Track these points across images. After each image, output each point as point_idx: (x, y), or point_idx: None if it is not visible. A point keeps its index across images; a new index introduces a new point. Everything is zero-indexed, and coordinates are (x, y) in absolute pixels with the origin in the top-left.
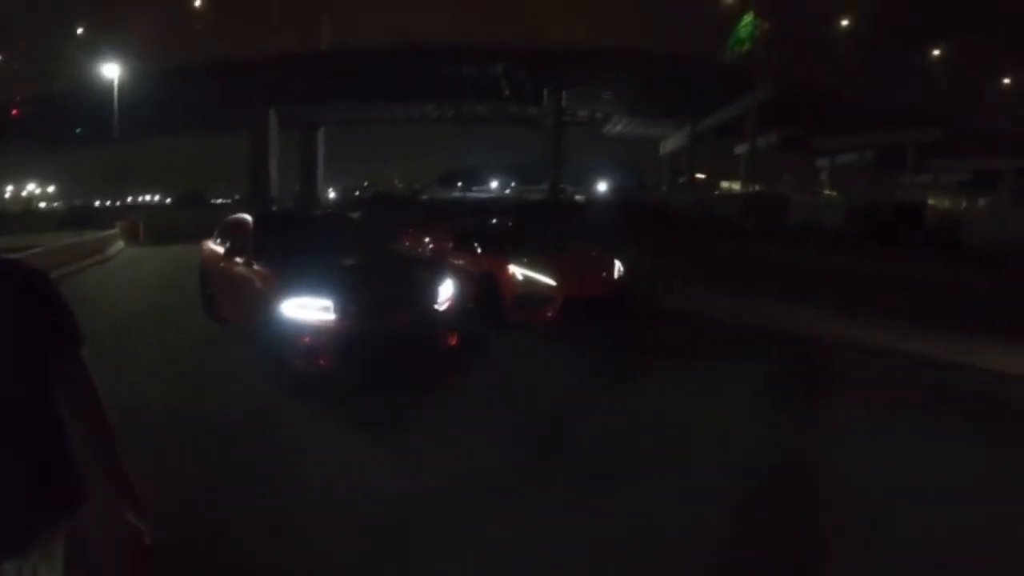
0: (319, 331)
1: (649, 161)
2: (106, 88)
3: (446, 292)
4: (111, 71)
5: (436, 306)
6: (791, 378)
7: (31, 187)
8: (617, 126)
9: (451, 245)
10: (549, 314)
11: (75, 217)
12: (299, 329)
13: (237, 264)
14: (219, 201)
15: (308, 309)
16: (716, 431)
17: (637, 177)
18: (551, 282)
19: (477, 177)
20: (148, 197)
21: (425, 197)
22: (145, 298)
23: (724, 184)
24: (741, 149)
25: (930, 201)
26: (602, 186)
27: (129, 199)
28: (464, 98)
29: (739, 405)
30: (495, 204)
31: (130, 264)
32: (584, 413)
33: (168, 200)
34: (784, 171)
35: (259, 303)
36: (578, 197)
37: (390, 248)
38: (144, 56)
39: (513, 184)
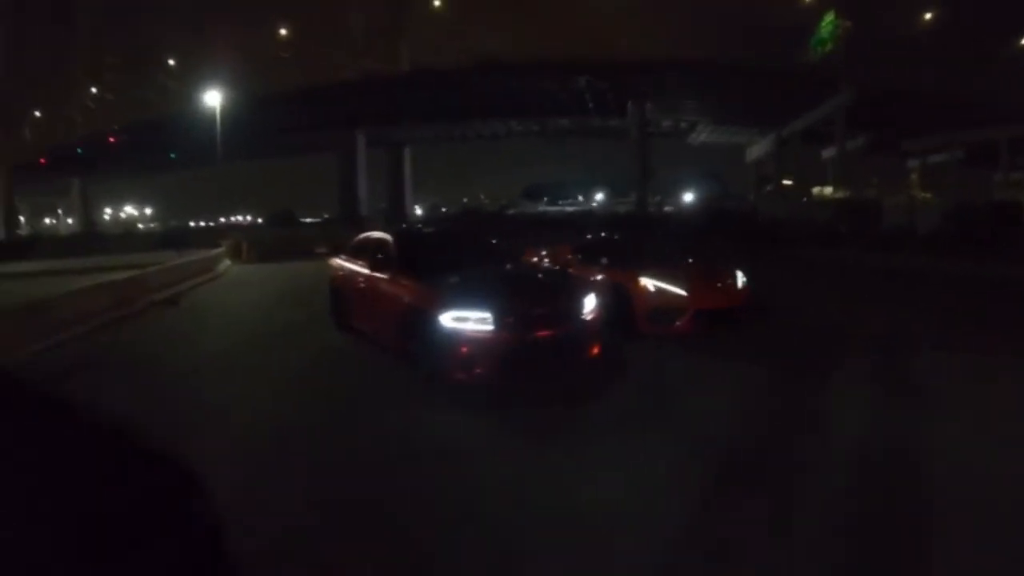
0: (476, 342)
1: (735, 169)
2: (198, 115)
3: (590, 304)
4: (213, 98)
5: (583, 317)
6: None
7: (128, 209)
8: (701, 135)
9: (576, 258)
10: (679, 324)
11: (172, 237)
12: (457, 340)
13: (381, 280)
14: (308, 220)
15: (466, 321)
16: (883, 433)
17: (723, 186)
18: (682, 293)
19: (562, 191)
20: (239, 217)
21: (511, 212)
22: (271, 313)
23: (815, 190)
24: (828, 153)
25: None
26: (688, 196)
27: (221, 219)
28: (547, 113)
29: (877, 405)
30: (584, 217)
31: (241, 281)
32: (746, 419)
33: (259, 220)
34: (873, 174)
35: (411, 316)
36: (666, 208)
37: (522, 262)
38: (232, 84)
39: (600, 196)
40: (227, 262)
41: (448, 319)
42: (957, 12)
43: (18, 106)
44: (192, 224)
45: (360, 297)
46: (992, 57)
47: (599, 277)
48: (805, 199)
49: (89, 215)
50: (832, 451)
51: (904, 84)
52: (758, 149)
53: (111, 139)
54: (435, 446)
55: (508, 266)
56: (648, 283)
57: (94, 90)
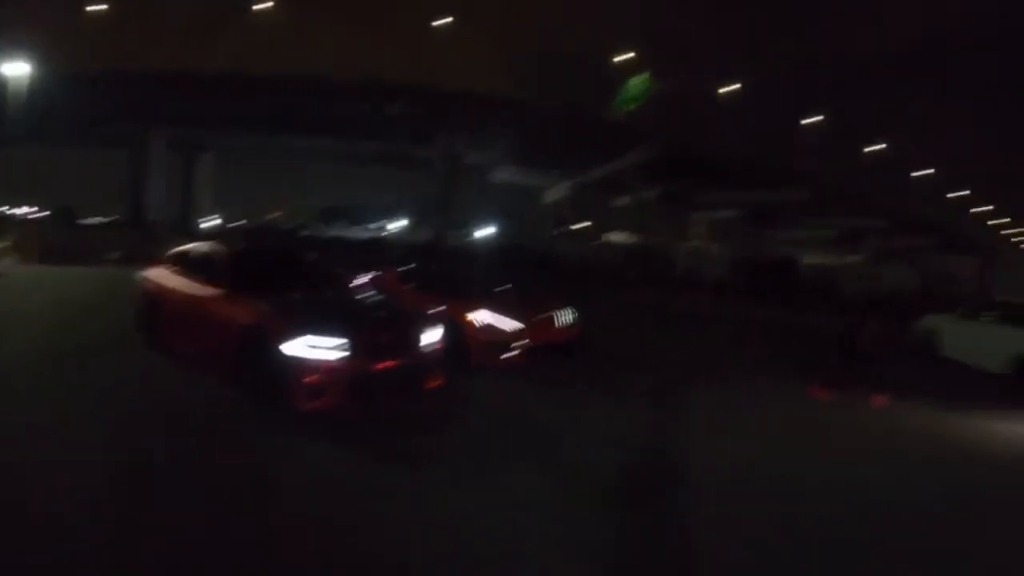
0: (325, 370)
1: (534, 209)
2: None
3: (434, 334)
4: (11, 69)
5: (426, 347)
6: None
7: None
8: (504, 173)
9: (406, 287)
10: (513, 356)
11: None
12: (305, 368)
13: (211, 298)
14: (94, 220)
15: (317, 348)
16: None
17: (517, 224)
18: (517, 326)
19: (362, 215)
20: (19, 210)
21: (306, 233)
22: (69, 323)
23: (608, 235)
24: (622, 202)
25: (805, 256)
26: (485, 231)
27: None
28: (359, 135)
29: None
30: (380, 244)
31: (31, 283)
32: (593, 443)
33: (44, 215)
34: (663, 224)
35: (250, 340)
36: (466, 241)
37: (352, 286)
38: (31, 58)
39: (402, 224)
40: (8, 260)
41: (297, 345)
42: (757, 87)
43: None
44: None
45: (181, 314)
46: (780, 129)
47: (432, 307)
48: (597, 243)
49: None
50: (662, 463)
51: (700, 144)
52: (556, 192)
53: None
54: (302, 479)
55: (338, 291)
56: (482, 316)
57: None
